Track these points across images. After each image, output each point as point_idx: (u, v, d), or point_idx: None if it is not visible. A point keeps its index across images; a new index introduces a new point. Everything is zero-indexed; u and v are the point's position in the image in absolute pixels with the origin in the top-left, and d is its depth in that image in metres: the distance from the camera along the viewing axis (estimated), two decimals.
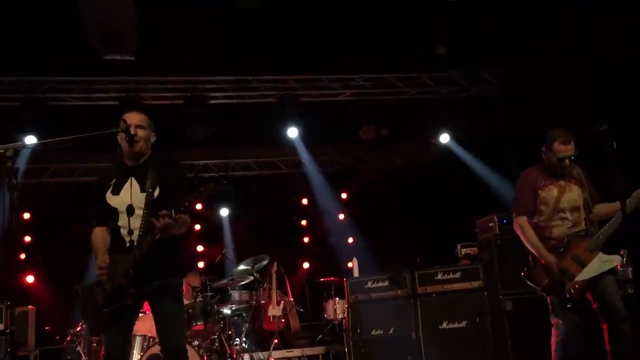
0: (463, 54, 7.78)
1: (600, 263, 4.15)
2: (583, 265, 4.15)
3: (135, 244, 3.46)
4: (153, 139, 3.78)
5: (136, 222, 3.49)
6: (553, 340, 4.27)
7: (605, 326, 4.15)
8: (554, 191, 4.34)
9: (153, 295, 3.56)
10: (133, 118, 3.64)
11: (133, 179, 3.60)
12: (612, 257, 4.20)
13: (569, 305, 4.15)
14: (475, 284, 6.09)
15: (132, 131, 3.56)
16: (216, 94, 8.48)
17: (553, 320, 4.28)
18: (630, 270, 5.73)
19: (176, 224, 3.34)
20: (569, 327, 4.18)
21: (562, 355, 4.20)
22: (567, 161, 4.28)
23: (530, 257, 4.43)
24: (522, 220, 4.39)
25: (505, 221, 6.53)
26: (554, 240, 4.30)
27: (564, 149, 4.26)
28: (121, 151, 3.69)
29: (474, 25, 7.14)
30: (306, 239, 11.58)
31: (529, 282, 4.35)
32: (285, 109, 8.45)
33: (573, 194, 4.34)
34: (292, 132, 8.62)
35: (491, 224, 6.66)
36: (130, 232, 3.50)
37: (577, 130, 4.37)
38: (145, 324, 5.73)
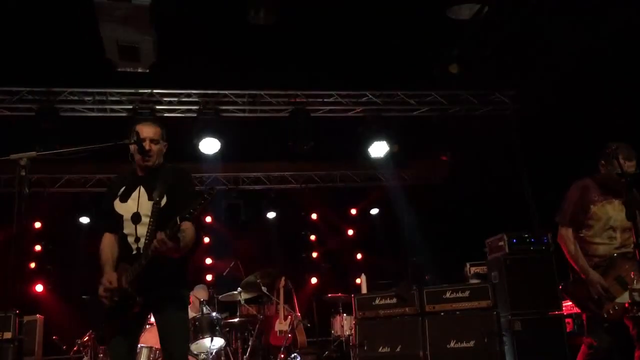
0: (475, 72, 7.79)
1: None
2: (626, 287, 4.01)
3: (141, 251, 3.46)
4: (165, 149, 3.80)
5: (143, 230, 3.50)
6: (580, 357, 4.15)
7: (637, 354, 4.00)
8: (607, 208, 4.22)
9: (158, 305, 3.55)
10: (147, 132, 3.65)
11: (142, 187, 3.62)
12: None
13: (605, 325, 4.03)
14: (483, 303, 6.03)
15: (146, 147, 3.58)
16: (229, 107, 8.55)
17: (586, 339, 4.16)
18: None
19: (173, 247, 3.28)
20: (602, 347, 4.05)
21: None
22: (628, 179, 4.11)
23: (570, 271, 4.30)
24: (567, 232, 4.25)
25: (515, 241, 6.51)
26: (597, 258, 4.17)
27: (627, 165, 4.11)
28: (133, 160, 3.71)
29: (487, 44, 7.15)
30: (315, 254, 11.56)
31: (567, 297, 4.26)
32: (296, 124, 8.48)
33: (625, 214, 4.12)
34: (303, 147, 8.63)
35: (501, 244, 6.63)
36: (137, 239, 3.51)
37: (593, 150, 4.31)
38: (152, 336, 5.70)
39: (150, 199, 3.57)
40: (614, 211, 4.21)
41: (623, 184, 4.08)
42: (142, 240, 3.49)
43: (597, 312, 4.05)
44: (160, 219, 3.43)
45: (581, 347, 4.20)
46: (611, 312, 4.00)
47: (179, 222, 3.22)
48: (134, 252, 3.51)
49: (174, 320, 3.55)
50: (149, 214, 3.51)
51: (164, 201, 3.54)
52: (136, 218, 3.53)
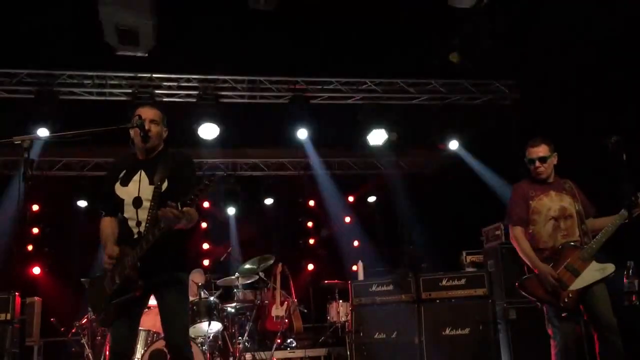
0: (475, 62, 7.79)
1: (593, 272, 4.18)
2: (577, 274, 4.19)
3: (142, 235, 3.48)
4: (165, 134, 3.81)
5: (144, 214, 3.52)
6: (552, 351, 4.28)
7: (595, 336, 4.17)
8: (545, 200, 4.43)
9: (160, 289, 3.58)
10: (147, 113, 3.67)
11: (143, 171, 3.63)
12: (605, 266, 4.20)
13: (563, 315, 4.18)
14: (479, 292, 6.09)
15: (146, 126, 3.59)
16: (228, 93, 8.53)
17: (549, 330, 4.31)
18: (636, 282, 5.70)
19: (182, 217, 3.29)
20: (565, 336, 4.20)
21: None
22: (537, 163, 4.42)
23: (525, 268, 4.48)
24: (517, 231, 4.46)
25: None
26: (547, 251, 4.34)
27: (532, 150, 4.45)
28: (133, 145, 3.73)
29: (488, 33, 7.15)
30: (312, 241, 11.61)
31: (523, 292, 4.39)
32: (295, 111, 8.48)
33: (564, 203, 4.40)
34: (302, 134, 8.64)
35: (497, 232, 6.69)
36: (139, 223, 3.53)
37: (589, 141, 4.38)
38: (150, 319, 5.76)
39: (151, 183, 3.58)
40: (551, 202, 4.41)
41: (537, 170, 4.43)
42: (144, 224, 3.50)
43: (554, 302, 4.20)
44: (161, 203, 3.44)
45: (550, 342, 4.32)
46: (566, 300, 4.15)
47: (180, 208, 3.24)
48: (135, 236, 3.53)
49: (175, 303, 3.58)
50: (150, 198, 3.52)
51: (165, 186, 3.55)
52: (137, 202, 3.54)
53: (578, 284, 4.17)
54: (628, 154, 4.01)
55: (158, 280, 3.52)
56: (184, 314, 3.69)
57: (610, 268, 4.19)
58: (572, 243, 4.31)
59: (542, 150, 4.44)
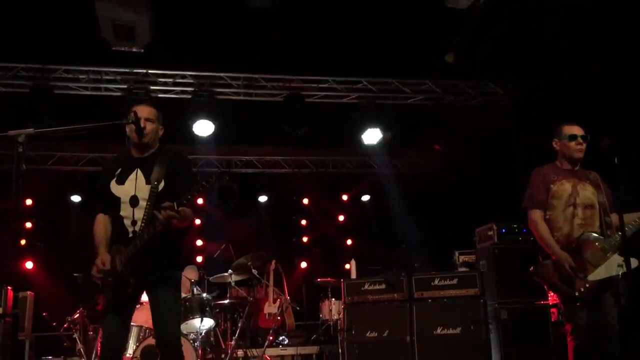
0: (471, 63, 7.81)
1: (614, 265, 4.01)
2: (596, 265, 4.05)
3: (137, 235, 3.49)
4: (161, 132, 3.83)
5: (140, 213, 3.53)
6: (570, 346, 4.14)
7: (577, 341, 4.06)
8: (566, 185, 4.30)
9: (152, 286, 3.60)
10: (143, 111, 3.69)
11: (139, 170, 3.64)
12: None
13: (577, 304, 4.04)
14: (471, 292, 6.10)
15: (141, 124, 3.61)
16: (223, 90, 8.54)
17: (567, 326, 4.16)
18: None
19: (178, 216, 3.34)
20: (580, 326, 4.05)
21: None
22: (580, 139, 4.29)
23: (539, 255, 4.34)
24: (537, 214, 4.32)
25: (504, 231, 6.59)
26: (563, 238, 4.20)
27: (574, 127, 4.32)
28: (129, 142, 3.74)
29: (484, 34, 7.17)
30: (305, 239, 11.62)
31: (536, 279, 4.26)
32: (291, 109, 8.49)
33: (587, 192, 4.27)
34: (297, 132, 8.63)
35: (490, 233, 6.71)
36: (134, 222, 3.54)
37: (588, 143, 4.37)
38: (142, 315, 5.76)
39: (147, 182, 3.59)
40: (572, 188, 4.29)
41: (578, 148, 4.29)
42: (139, 223, 3.51)
43: (568, 291, 4.07)
44: (157, 203, 3.47)
45: (567, 339, 4.18)
46: (582, 289, 4.02)
47: (176, 208, 3.26)
48: (130, 235, 3.53)
49: (167, 301, 3.59)
50: (146, 197, 3.54)
51: (161, 185, 3.58)
52: (134, 201, 3.55)
53: (596, 275, 4.03)
54: (622, 155, 3.97)
55: (151, 278, 3.53)
56: (175, 311, 3.70)
57: (634, 262, 3.90)
58: (594, 234, 4.17)
59: (580, 129, 4.31)
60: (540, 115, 7.61)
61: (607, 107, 6.42)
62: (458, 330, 5.96)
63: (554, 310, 6.28)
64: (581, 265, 4.08)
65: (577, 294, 4.04)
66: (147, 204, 3.52)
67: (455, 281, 6.18)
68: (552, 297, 6.28)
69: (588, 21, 6.34)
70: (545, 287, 4.28)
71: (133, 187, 3.59)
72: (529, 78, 7.96)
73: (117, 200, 3.61)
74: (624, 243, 3.91)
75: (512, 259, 6.41)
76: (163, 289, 3.59)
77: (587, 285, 4.03)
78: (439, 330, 6.02)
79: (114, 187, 3.64)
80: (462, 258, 7.46)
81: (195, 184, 3.41)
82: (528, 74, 7.89)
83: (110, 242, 3.63)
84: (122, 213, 3.60)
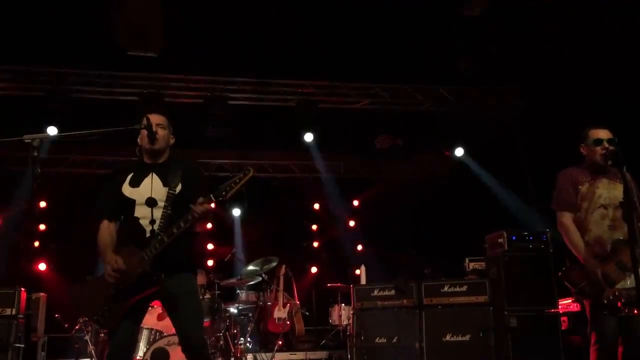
0: (482, 69, 7.81)
1: None
2: (626, 272, 3.90)
3: (156, 234, 3.48)
4: (172, 141, 3.88)
5: (158, 213, 3.56)
6: (592, 356, 4.03)
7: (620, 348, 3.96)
8: (595, 186, 4.18)
9: (169, 291, 3.55)
10: (154, 118, 3.74)
11: (154, 174, 3.68)
12: None
13: (605, 312, 3.94)
14: (481, 299, 6.09)
15: (153, 129, 3.66)
16: (236, 95, 8.59)
17: (593, 335, 4.03)
18: None
19: (211, 212, 3.41)
20: (606, 334, 3.95)
21: None
22: (606, 144, 4.10)
23: (567, 259, 4.28)
24: (567, 218, 4.20)
25: (514, 238, 6.55)
26: (592, 241, 4.09)
27: (601, 132, 4.17)
28: (140, 150, 3.80)
29: (495, 41, 7.18)
30: (316, 244, 11.63)
31: (565, 282, 4.14)
32: (303, 114, 8.52)
33: (617, 192, 4.06)
34: (308, 137, 8.69)
35: (500, 240, 6.66)
36: (153, 221, 3.54)
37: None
38: (151, 317, 5.81)
39: (165, 185, 3.64)
40: (603, 189, 4.17)
41: (605, 152, 4.08)
42: (158, 222, 3.53)
43: (596, 297, 3.95)
44: (175, 205, 3.52)
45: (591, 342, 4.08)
46: (611, 297, 3.89)
47: (213, 198, 3.36)
48: (148, 234, 3.53)
49: (189, 307, 3.59)
50: (164, 199, 3.58)
51: (178, 188, 3.62)
52: (151, 202, 3.58)
53: (626, 283, 3.89)
54: (625, 159, 3.89)
55: (168, 281, 3.51)
56: (198, 314, 3.71)
57: None
58: (627, 240, 3.90)
59: (607, 133, 4.16)
60: (551, 120, 7.60)
61: (618, 112, 6.39)
62: (467, 337, 5.95)
63: (564, 318, 6.24)
64: (612, 272, 3.95)
65: (605, 301, 3.91)
66: (164, 205, 3.56)
67: (465, 288, 6.17)
68: (562, 306, 6.25)
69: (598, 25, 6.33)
70: (573, 291, 4.16)
71: (149, 189, 3.62)
72: (540, 82, 7.93)
73: (130, 203, 3.62)
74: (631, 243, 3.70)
75: (522, 266, 6.36)
76: (182, 294, 3.56)
77: (617, 294, 3.89)
78: (448, 337, 6.01)
79: (127, 190, 3.66)
80: (472, 265, 7.42)
81: (209, 188, 3.47)
82: (539, 79, 7.87)
83: (117, 245, 3.62)
84: (137, 214, 3.59)
